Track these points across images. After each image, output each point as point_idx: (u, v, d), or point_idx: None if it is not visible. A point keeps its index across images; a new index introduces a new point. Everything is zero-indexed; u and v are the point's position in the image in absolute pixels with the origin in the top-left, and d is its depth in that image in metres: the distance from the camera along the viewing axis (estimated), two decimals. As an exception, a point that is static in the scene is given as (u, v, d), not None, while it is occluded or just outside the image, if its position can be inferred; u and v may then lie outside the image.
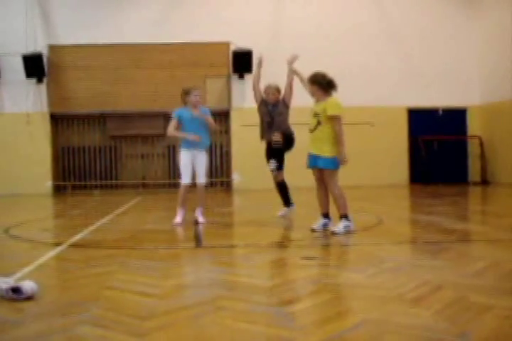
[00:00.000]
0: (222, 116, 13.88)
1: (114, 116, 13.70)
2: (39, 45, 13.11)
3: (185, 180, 6.23)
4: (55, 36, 13.47)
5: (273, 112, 6.57)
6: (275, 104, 6.59)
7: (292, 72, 6.37)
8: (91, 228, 5.96)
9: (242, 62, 13.11)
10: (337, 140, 5.14)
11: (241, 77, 13.44)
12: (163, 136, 12.61)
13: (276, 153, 6.56)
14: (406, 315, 2.43)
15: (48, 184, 13.43)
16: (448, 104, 14.18)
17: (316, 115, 5.24)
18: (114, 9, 13.58)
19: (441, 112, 14.31)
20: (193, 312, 2.55)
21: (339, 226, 5.16)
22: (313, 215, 5.87)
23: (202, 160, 6.31)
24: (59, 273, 3.75)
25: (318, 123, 5.21)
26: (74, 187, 13.74)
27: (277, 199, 6.83)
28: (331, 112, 5.14)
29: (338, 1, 14.05)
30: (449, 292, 2.84)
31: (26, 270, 3.59)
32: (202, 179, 6.32)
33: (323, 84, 5.25)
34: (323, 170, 5.24)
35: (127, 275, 3.45)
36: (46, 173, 13.41)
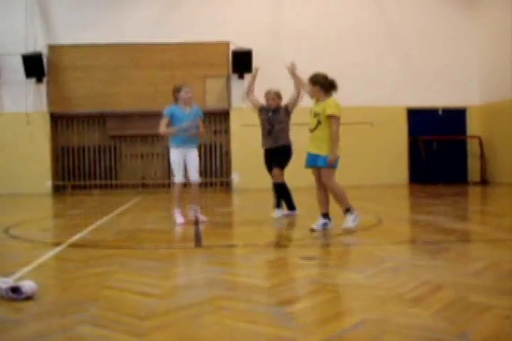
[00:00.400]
0: (222, 116, 13.89)
1: (113, 116, 13.71)
2: (39, 45, 13.12)
3: (178, 178, 6.22)
4: (55, 36, 13.47)
5: (273, 120, 6.52)
6: (276, 110, 6.54)
7: (296, 79, 6.30)
8: (90, 228, 5.96)
9: (242, 61, 13.12)
10: (332, 139, 5.19)
11: (241, 76, 13.44)
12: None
13: (276, 159, 6.54)
14: (405, 315, 2.43)
15: (48, 184, 13.43)
16: (447, 103, 14.19)
17: (316, 115, 5.28)
18: (113, 9, 13.58)
19: (440, 112, 14.32)
20: (192, 312, 2.54)
21: (347, 221, 5.27)
22: (313, 215, 5.88)
23: (193, 157, 6.25)
24: (58, 273, 3.75)
25: (319, 122, 5.26)
26: (73, 187, 13.75)
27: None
28: (330, 111, 5.18)
29: (337, 1, 14.06)
30: (449, 292, 2.83)
31: (26, 270, 3.58)
32: (195, 177, 6.29)
33: (325, 85, 5.28)
34: (322, 169, 5.26)
35: (127, 275, 3.44)
36: (46, 173, 13.42)
